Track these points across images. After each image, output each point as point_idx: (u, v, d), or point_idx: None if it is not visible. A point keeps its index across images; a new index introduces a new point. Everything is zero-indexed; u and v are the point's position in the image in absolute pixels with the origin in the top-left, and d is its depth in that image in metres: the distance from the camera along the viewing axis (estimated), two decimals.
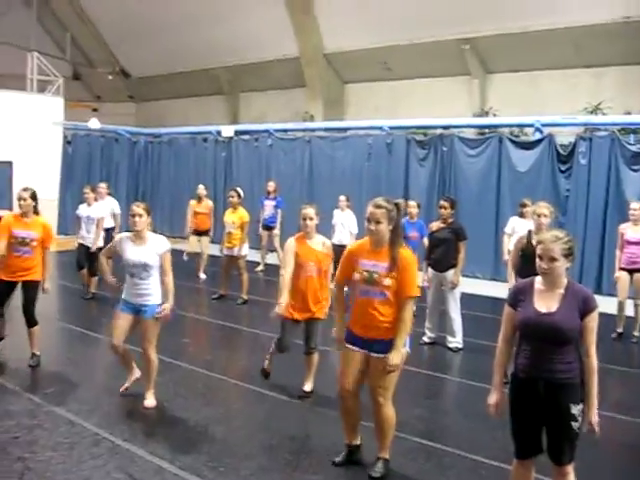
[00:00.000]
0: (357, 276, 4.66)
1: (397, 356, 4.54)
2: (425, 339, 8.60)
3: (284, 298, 6.00)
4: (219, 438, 5.37)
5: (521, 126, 14.67)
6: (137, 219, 5.86)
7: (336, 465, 4.92)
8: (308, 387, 6.48)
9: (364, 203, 12.90)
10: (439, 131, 14.63)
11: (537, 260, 3.72)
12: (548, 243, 3.68)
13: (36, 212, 7.23)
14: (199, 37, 20.48)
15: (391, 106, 17.94)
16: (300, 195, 16.18)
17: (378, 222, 4.57)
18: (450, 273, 8.38)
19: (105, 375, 6.51)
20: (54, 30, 24.12)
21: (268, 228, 13.92)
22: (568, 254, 3.69)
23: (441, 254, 8.40)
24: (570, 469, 3.79)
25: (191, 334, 9.25)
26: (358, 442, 5.04)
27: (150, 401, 6.02)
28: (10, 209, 16.82)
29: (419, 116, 15.66)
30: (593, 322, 3.67)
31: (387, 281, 4.55)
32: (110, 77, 24.83)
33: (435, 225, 8.63)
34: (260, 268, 14.02)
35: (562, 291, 3.71)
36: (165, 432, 5.50)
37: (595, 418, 3.71)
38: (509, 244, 10.12)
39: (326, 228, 11.75)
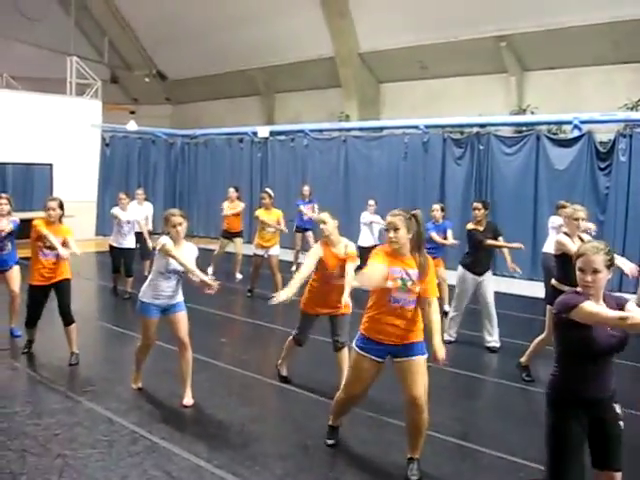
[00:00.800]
0: (390, 284, 4.60)
1: (441, 349, 4.58)
2: (449, 338, 8.53)
3: (286, 292, 5.87)
4: (255, 437, 5.39)
5: (559, 123, 14.48)
6: (179, 228, 5.90)
7: (329, 446, 5.20)
8: None
9: (400, 202, 12.97)
10: (476, 130, 14.51)
11: (578, 273, 3.56)
12: (590, 255, 3.51)
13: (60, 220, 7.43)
14: (235, 39, 20.58)
15: (427, 105, 17.83)
16: (335, 195, 16.21)
17: (396, 229, 4.60)
18: (489, 274, 8.39)
19: (144, 374, 6.56)
20: (92, 34, 24.46)
21: (303, 230, 13.98)
22: (609, 265, 3.53)
23: (483, 257, 8.38)
24: (620, 476, 3.66)
25: (228, 334, 9.31)
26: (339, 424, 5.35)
27: (189, 398, 6.09)
28: None
29: (455, 115, 15.56)
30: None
31: (418, 288, 4.65)
32: (147, 80, 25.08)
33: (472, 225, 8.55)
34: (294, 269, 14.05)
35: (602, 303, 3.55)
36: (202, 431, 5.53)
37: None
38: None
39: (355, 229, 11.77)
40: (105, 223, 17.54)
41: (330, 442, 5.23)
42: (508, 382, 7.03)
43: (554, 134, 14.16)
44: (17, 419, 5.57)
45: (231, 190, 13.21)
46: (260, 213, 11.24)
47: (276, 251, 11.19)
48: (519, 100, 16.62)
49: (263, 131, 18.40)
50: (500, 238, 8.45)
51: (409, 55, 17.75)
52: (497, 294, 8.69)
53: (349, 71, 19.34)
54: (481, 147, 14.14)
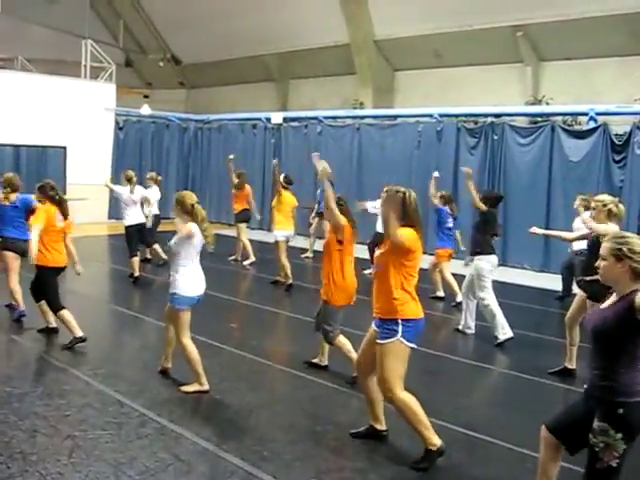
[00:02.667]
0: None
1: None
2: (468, 331, 8.50)
3: None
4: (264, 423, 5.40)
5: (575, 114, 14.38)
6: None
7: (353, 436, 5.09)
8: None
9: (414, 190, 12.82)
10: (490, 119, 14.42)
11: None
12: (604, 241, 3.49)
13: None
14: (250, 24, 20.53)
15: (441, 94, 17.75)
16: (349, 182, 16.15)
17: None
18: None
19: (154, 357, 6.59)
20: (107, 18, 24.47)
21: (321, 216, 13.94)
22: (620, 256, 3.34)
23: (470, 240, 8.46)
24: None
25: (238, 319, 9.32)
26: (381, 427, 5.16)
27: (187, 387, 6.04)
28: (64, 193, 17.18)
29: (470, 104, 15.48)
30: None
31: (382, 249, 4.74)
32: (161, 64, 25.07)
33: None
34: (308, 255, 14.06)
35: (617, 298, 3.42)
36: (211, 415, 5.56)
37: None
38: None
39: (367, 217, 11.74)
40: (118, 207, 17.55)
41: (352, 431, 5.16)
42: (517, 373, 7.02)
43: (569, 125, 14.06)
44: (28, 399, 5.60)
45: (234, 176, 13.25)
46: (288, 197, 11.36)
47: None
48: (534, 90, 16.52)
49: (277, 117, 18.37)
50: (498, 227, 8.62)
51: (424, 43, 17.65)
52: (507, 285, 8.67)
53: (364, 58, 19.26)
54: (495, 137, 14.05)
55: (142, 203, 11.49)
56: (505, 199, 13.73)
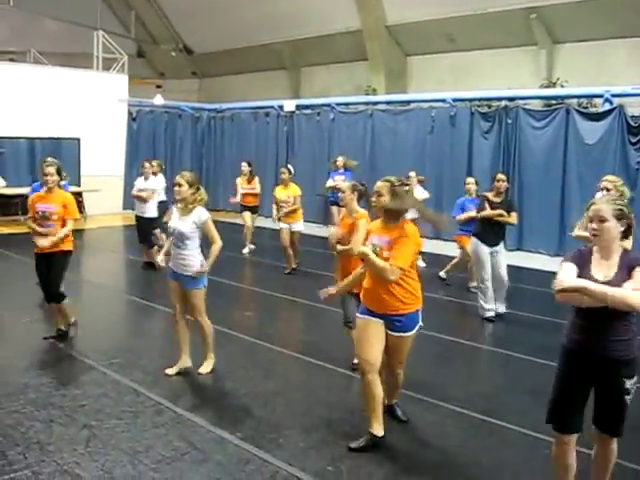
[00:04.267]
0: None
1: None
2: (490, 315, 8.47)
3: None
4: (279, 410, 5.41)
5: (590, 97, 14.19)
6: (176, 188, 5.95)
7: (351, 450, 4.72)
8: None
9: (427, 176, 12.87)
10: (504, 103, 14.29)
11: (588, 224, 3.65)
12: (598, 203, 3.62)
13: (59, 186, 7.26)
14: (261, 12, 20.46)
15: (455, 78, 17.62)
16: (363, 169, 16.09)
17: (380, 195, 4.76)
18: (502, 245, 8.47)
19: (169, 347, 6.61)
20: (119, 8, 24.45)
21: (337, 204, 13.87)
22: (620, 216, 3.55)
23: (497, 228, 8.37)
24: (615, 442, 3.79)
25: (253, 307, 9.32)
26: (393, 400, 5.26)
27: (205, 367, 6.20)
28: (78, 185, 17.29)
29: (483, 88, 15.35)
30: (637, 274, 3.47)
31: (386, 254, 4.59)
32: (173, 54, 25.07)
33: (490, 195, 8.49)
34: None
35: (617, 259, 3.58)
36: (226, 403, 5.57)
37: None
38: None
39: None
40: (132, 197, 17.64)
41: (352, 445, 4.78)
42: (533, 358, 6.97)
43: (584, 108, 13.90)
44: (44, 390, 5.64)
45: (244, 164, 13.12)
46: (277, 191, 11.35)
47: (299, 227, 11.25)
48: (549, 73, 16.35)
49: (289, 105, 18.32)
50: (513, 214, 8.41)
51: (437, 27, 17.51)
52: (522, 269, 8.62)
53: (376, 44, 19.15)
54: (509, 121, 13.93)
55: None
56: (520, 183, 13.70)
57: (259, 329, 7.90)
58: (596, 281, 3.50)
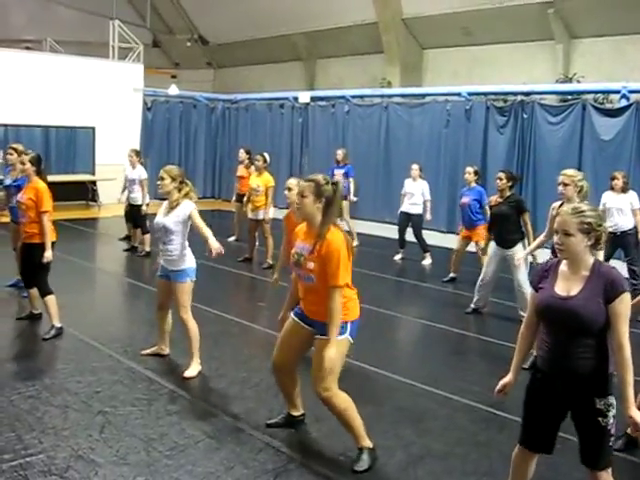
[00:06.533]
0: (291, 257, 4.53)
1: (330, 351, 4.19)
2: (470, 308, 8.43)
3: None
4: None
5: (607, 92, 14.10)
6: (159, 182, 5.93)
7: (268, 426, 4.88)
8: None
9: (442, 170, 12.80)
10: (520, 98, 14.22)
11: (554, 236, 3.42)
12: (564, 215, 3.36)
13: (40, 176, 6.95)
14: (277, 3, 20.43)
15: (470, 72, 17.54)
16: (377, 162, 16.10)
17: (303, 196, 4.37)
18: (515, 250, 7.99)
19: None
20: None
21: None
22: (588, 230, 3.30)
23: (500, 230, 8.11)
24: (606, 476, 3.41)
25: (267, 298, 9.34)
26: (297, 413, 4.97)
27: (190, 371, 5.93)
28: (93, 173, 17.37)
29: (499, 82, 15.28)
30: (621, 306, 3.24)
31: (310, 265, 4.31)
32: (188, 44, 25.07)
33: (493, 199, 8.44)
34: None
35: (587, 273, 3.33)
36: (240, 392, 5.60)
37: (635, 417, 3.24)
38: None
39: (396, 196, 11.70)
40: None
41: (269, 421, 4.96)
42: None
43: (601, 103, 13.81)
44: (60, 376, 5.70)
45: (241, 152, 13.01)
46: (251, 178, 11.28)
47: (270, 215, 10.94)
48: (565, 68, 16.26)
49: (304, 96, 18.29)
50: (526, 215, 8.16)
51: (453, 21, 17.43)
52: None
53: (392, 37, 19.08)
54: (525, 116, 13.85)
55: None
56: (534, 178, 13.64)
57: (272, 319, 7.90)
58: (557, 297, 3.35)
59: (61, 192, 9.39)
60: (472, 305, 8.46)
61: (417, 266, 11.53)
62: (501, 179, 8.20)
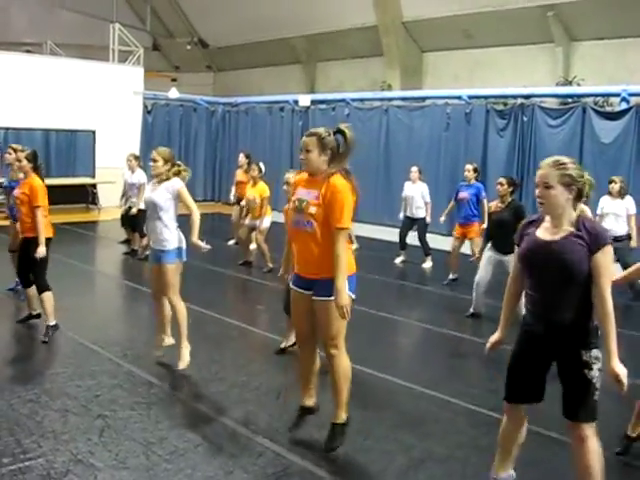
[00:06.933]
0: (290, 205, 4.53)
1: (341, 297, 4.21)
2: (469, 312, 8.41)
3: None
4: (293, 404, 5.39)
5: (607, 95, 14.10)
6: (152, 163, 5.91)
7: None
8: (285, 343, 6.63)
9: (442, 173, 12.81)
10: (520, 101, 14.23)
11: (536, 189, 3.40)
12: (545, 167, 3.35)
13: (37, 172, 6.90)
14: (277, 7, 20.46)
15: (470, 75, 17.57)
16: (377, 165, 16.12)
17: (308, 150, 4.38)
18: (513, 256, 8.04)
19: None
20: (135, 1, 24.55)
21: None
22: (568, 183, 3.30)
23: (500, 236, 7.98)
24: (589, 432, 3.41)
25: (265, 301, 9.33)
26: (310, 403, 4.98)
27: (182, 361, 5.97)
28: (93, 176, 17.37)
29: (499, 85, 15.29)
30: (604, 258, 3.23)
31: (312, 209, 4.30)
32: (188, 47, 25.11)
33: (494, 205, 8.42)
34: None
35: (570, 228, 3.32)
36: (240, 396, 5.57)
37: (617, 369, 3.22)
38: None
39: (396, 200, 11.66)
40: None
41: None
42: None
43: (601, 106, 13.82)
44: (59, 380, 5.68)
45: (241, 156, 12.93)
46: (247, 189, 11.21)
47: (265, 224, 10.84)
48: (565, 71, 16.28)
49: (304, 100, 18.30)
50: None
51: (453, 24, 17.45)
52: None
53: (392, 40, 19.11)
54: (525, 119, 13.86)
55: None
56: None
57: (271, 323, 7.91)
58: (540, 241, 3.35)
59: (61, 195, 9.42)
60: (471, 309, 8.45)
61: (417, 269, 11.51)
62: (502, 185, 8.18)
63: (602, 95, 14.21)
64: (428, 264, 11.59)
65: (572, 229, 3.32)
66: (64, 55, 19.27)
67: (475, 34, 17.47)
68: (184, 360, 5.97)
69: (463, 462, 4.58)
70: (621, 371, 3.22)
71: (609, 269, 3.28)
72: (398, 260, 11.87)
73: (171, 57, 26.52)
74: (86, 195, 17.46)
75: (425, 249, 11.60)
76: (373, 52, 19.76)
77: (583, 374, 3.34)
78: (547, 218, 3.43)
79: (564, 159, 3.37)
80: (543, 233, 3.41)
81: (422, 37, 19.10)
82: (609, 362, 3.25)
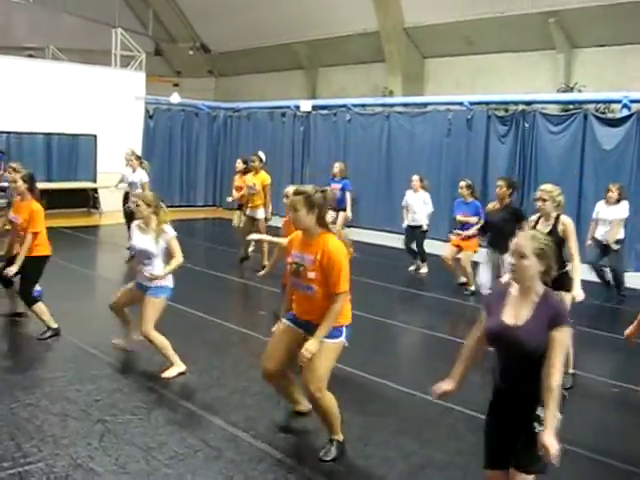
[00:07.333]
0: (287, 267, 4.63)
1: (313, 344, 4.36)
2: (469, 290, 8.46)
3: None
4: (292, 410, 5.40)
5: (608, 102, 14.10)
6: (134, 208, 6.14)
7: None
8: None
9: (443, 179, 12.81)
10: (521, 107, 14.23)
11: (509, 258, 3.49)
12: (521, 239, 3.45)
13: (33, 194, 6.91)
14: (279, 12, 20.48)
15: (472, 81, 17.57)
16: (378, 171, 16.11)
17: (295, 210, 4.41)
18: (507, 256, 8.08)
19: (183, 343, 6.61)
20: (137, 6, 24.55)
21: (335, 210, 13.63)
22: (542, 255, 3.38)
23: (498, 236, 8.04)
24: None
25: (267, 307, 9.31)
26: (304, 408, 5.13)
27: (168, 372, 6.03)
28: (94, 181, 17.39)
29: (501, 92, 15.30)
30: (560, 336, 3.30)
31: (311, 275, 4.41)
32: (190, 52, 25.12)
33: (491, 205, 8.43)
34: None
35: (536, 299, 3.40)
36: (240, 402, 5.58)
37: (548, 442, 3.18)
38: (594, 231, 9.98)
39: (396, 205, 11.65)
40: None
41: None
42: None
43: (602, 113, 13.81)
44: (59, 384, 5.68)
45: (238, 161, 12.84)
46: (247, 178, 11.29)
47: (264, 214, 10.98)
48: (567, 78, 16.27)
49: (306, 105, 18.31)
50: (524, 223, 8.15)
51: (455, 30, 17.45)
52: None
53: (393, 46, 19.11)
54: (526, 125, 13.85)
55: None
56: (536, 188, 13.59)
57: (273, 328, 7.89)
58: (504, 326, 3.40)
59: (62, 199, 9.39)
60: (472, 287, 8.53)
61: (416, 274, 11.57)
62: (501, 187, 8.21)
63: (603, 102, 14.20)
64: (424, 270, 11.66)
65: (537, 300, 3.39)
66: (66, 60, 19.28)
67: (477, 40, 17.48)
68: (171, 373, 6.02)
69: (464, 468, 4.58)
70: (552, 444, 3.20)
71: (563, 347, 3.33)
72: (413, 267, 11.87)
73: (173, 62, 26.54)
74: (87, 199, 17.47)
75: (422, 256, 11.66)
76: (375, 58, 19.76)
77: (533, 427, 3.37)
78: (516, 286, 3.50)
79: (539, 234, 3.57)
80: (509, 312, 3.45)
81: (424, 43, 19.11)
82: (543, 433, 3.25)
